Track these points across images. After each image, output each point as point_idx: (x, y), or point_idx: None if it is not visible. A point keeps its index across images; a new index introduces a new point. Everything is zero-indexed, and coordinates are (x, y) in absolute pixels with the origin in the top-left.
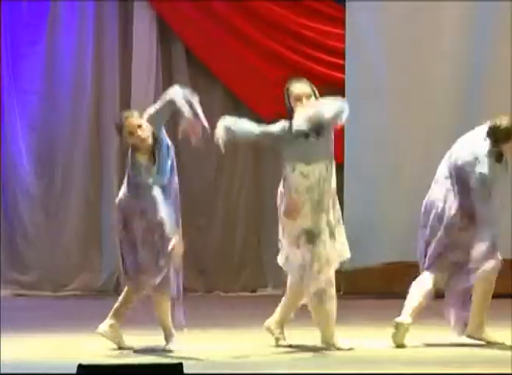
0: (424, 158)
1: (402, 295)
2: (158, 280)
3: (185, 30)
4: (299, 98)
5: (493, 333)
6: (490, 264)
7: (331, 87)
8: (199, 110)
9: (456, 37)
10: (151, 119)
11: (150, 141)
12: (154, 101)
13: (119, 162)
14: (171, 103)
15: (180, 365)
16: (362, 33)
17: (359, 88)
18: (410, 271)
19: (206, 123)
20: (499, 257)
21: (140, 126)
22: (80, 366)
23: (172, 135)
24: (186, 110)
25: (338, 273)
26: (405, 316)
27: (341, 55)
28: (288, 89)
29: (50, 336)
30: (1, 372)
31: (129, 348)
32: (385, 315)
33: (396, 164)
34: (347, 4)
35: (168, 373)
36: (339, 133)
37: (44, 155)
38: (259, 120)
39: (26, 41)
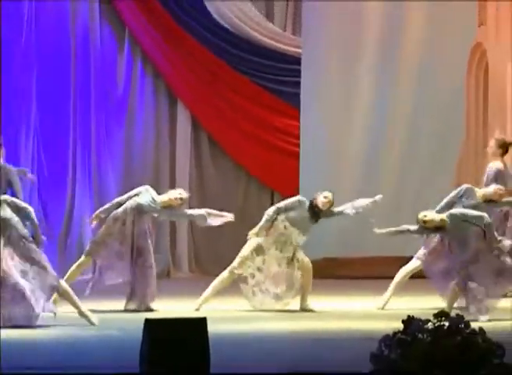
0: (361, 170)
1: (336, 277)
2: None
3: (210, 124)
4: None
5: None
6: None
7: (291, 157)
8: None
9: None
10: None
11: None
12: (190, 172)
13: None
14: None
15: (204, 319)
16: (310, 124)
17: (310, 157)
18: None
19: None
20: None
21: None
22: (147, 320)
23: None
24: None
25: None
26: None
27: (297, 137)
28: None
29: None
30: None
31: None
32: (326, 289)
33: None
34: (301, 110)
35: (195, 327)
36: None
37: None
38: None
39: (111, 125)
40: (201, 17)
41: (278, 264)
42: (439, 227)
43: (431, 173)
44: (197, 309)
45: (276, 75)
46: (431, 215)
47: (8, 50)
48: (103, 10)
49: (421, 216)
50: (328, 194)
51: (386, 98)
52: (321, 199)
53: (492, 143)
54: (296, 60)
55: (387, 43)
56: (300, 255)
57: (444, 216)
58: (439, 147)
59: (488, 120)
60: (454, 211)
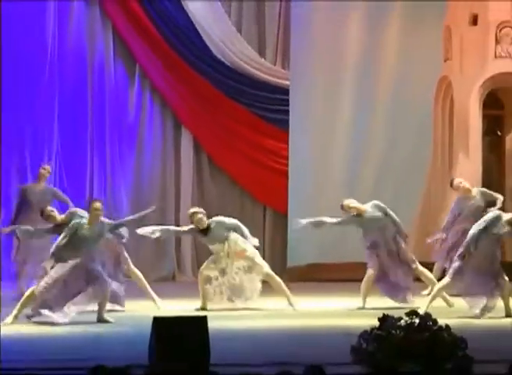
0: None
1: (318, 280)
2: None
3: (210, 147)
4: None
5: None
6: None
7: (281, 176)
8: None
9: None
10: None
11: None
12: (193, 189)
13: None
14: None
15: (205, 317)
16: (298, 146)
17: (297, 175)
18: (324, 268)
19: None
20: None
21: None
22: (155, 318)
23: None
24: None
25: (284, 268)
26: None
27: (286, 158)
28: None
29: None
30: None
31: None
32: (308, 291)
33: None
34: (290, 134)
35: (197, 324)
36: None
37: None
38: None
39: (123, 148)
40: (203, 55)
41: (234, 273)
42: None
43: (404, 187)
44: (204, 308)
45: (268, 104)
46: None
47: (34, 83)
48: (117, 48)
49: None
50: (199, 214)
51: (365, 123)
52: (194, 219)
53: (461, 181)
54: (286, 91)
55: (365, 77)
56: (256, 261)
57: None
58: (412, 165)
59: (453, 143)
60: None
